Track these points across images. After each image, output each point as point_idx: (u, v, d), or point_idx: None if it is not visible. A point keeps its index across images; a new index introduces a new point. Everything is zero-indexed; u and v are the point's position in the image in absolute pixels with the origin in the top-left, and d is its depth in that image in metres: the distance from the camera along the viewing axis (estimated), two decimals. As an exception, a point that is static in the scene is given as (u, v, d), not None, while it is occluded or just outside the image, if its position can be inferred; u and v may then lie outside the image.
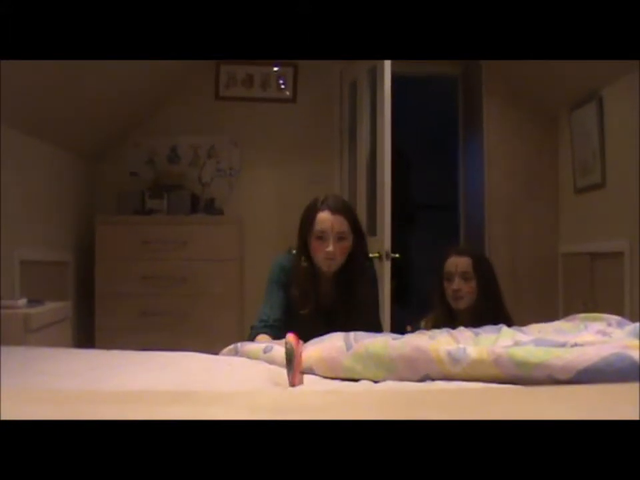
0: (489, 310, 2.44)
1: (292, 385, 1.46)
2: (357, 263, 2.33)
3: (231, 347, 1.88)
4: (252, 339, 2.23)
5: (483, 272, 2.60)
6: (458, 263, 2.58)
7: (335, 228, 2.24)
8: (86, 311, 3.93)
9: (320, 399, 1.02)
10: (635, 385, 0.96)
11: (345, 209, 2.30)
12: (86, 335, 3.83)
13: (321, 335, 1.83)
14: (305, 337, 1.89)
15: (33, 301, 2.63)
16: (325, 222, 2.25)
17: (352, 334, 1.69)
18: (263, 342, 1.97)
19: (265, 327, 2.26)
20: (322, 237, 2.25)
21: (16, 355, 1.72)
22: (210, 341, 2.29)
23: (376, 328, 2.35)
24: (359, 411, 0.88)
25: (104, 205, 4.32)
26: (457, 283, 2.55)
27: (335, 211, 2.26)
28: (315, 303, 2.31)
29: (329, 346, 1.59)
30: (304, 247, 2.31)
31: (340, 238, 2.25)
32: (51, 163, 3.62)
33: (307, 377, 1.51)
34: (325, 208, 2.27)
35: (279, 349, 1.71)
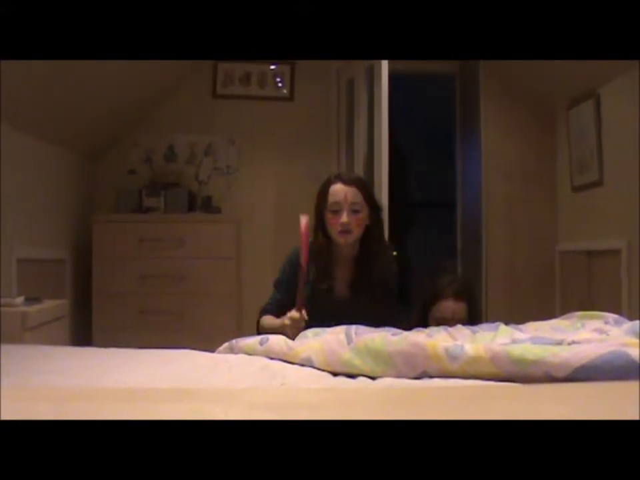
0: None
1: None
2: (374, 239, 2.31)
3: (227, 344, 1.89)
4: (259, 318, 2.32)
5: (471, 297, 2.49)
6: (455, 309, 2.37)
7: (348, 199, 2.22)
8: (83, 309, 3.92)
9: (317, 397, 1.02)
10: (632, 383, 0.96)
11: (358, 181, 2.30)
12: (83, 333, 3.83)
13: (335, 320, 1.85)
14: (320, 321, 1.93)
15: (31, 299, 2.62)
16: (339, 193, 2.24)
17: (354, 327, 1.70)
18: (257, 336, 1.97)
19: (276, 306, 2.30)
20: (336, 210, 2.24)
21: (13, 353, 1.72)
22: (207, 339, 2.29)
23: (390, 318, 2.33)
24: (356, 408, 0.88)
25: (101, 203, 4.33)
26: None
27: (348, 182, 2.26)
28: (331, 283, 2.28)
29: (330, 338, 1.60)
30: (320, 224, 2.30)
31: (354, 210, 2.23)
32: (48, 161, 3.61)
33: (304, 372, 1.51)
34: (337, 181, 2.27)
35: (274, 339, 1.73)
